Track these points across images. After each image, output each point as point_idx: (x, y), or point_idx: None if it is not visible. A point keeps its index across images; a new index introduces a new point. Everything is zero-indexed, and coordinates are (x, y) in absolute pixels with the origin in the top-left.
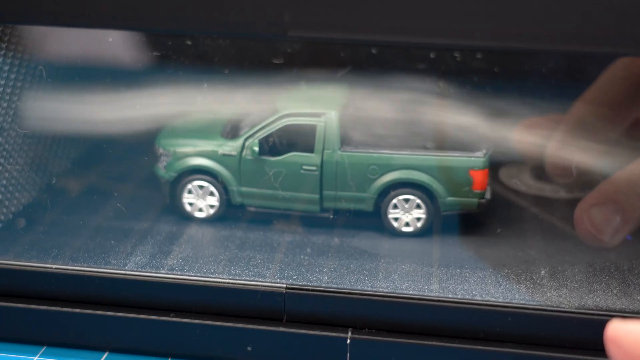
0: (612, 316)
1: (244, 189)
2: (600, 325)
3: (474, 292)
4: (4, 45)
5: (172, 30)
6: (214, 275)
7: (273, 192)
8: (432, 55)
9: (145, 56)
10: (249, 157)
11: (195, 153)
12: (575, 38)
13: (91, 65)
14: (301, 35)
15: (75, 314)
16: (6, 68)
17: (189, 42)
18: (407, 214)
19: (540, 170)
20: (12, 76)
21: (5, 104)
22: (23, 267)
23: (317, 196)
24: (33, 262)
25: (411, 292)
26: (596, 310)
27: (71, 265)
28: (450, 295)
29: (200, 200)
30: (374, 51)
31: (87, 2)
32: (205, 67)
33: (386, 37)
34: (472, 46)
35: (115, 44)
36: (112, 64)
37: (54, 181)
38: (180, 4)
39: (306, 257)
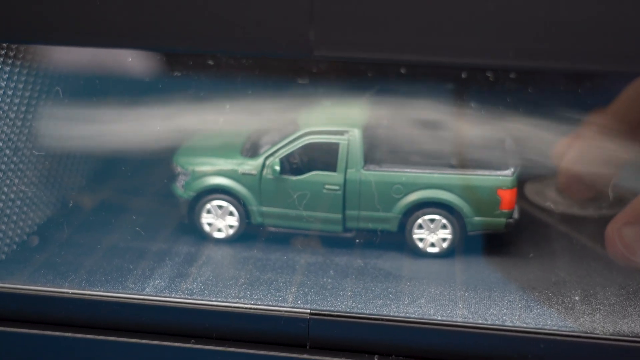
0: None
1: (264, 208)
2: (638, 353)
3: (504, 317)
4: (18, 63)
5: (195, 50)
6: (235, 300)
7: (294, 212)
8: (463, 75)
9: (166, 74)
10: (270, 176)
11: (215, 172)
12: (598, 57)
13: (108, 81)
14: (327, 55)
15: (92, 340)
16: (20, 86)
17: (210, 62)
18: (433, 234)
19: None
20: (27, 94)
21: (19, 123)
22: (37, 292)
23: (339, 216)
24: (48, 287)
25: (439, 317)
26: (632, 336)
27: (88, 290)
28: (480, 321)
29: (220, 220)
30: (402, 71)
31: (106, 22)
32: (227, 84)
33: (414, 56)
34: (504, 66)
35: (135, 62)
36: (132, 81)
37: (71, 202)
38: (203, 24)
39: (329, 280)
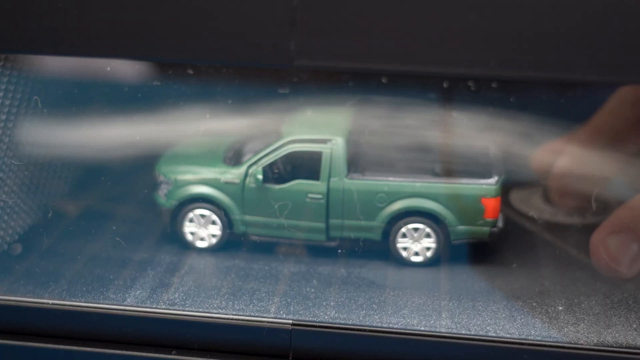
0: (633, 353)
1: (247, 217)
2: None
3: (487, 327)
4: None
5: (175, 60)
6: (217, 311)
7: (277, 221)
8: (445, 85)
9: (146, 86)
10: (253, 185)
11: (197, 181)
12: (579, 67)
13: (87, 90)
14: (308, 65)
15: (72, 351)
16: (0, 94)
17: (190, 71)
18: (417, 243)
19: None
20: (7, 102)
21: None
22: (16, 303)
23: (323, 225)
24: (28, 297)
25: (422, 327)
26: (616, 347)
27: (68, 301)
28: (464, 331)
29: (202, 229)
30: (384, 80)
31: (86, 31)
32: (208, 93)
33: (395, 66)
34: (486, 76)
35: (114, 71)
36: (110, 89)
37: (51, 211)
38: (183, 34)
39: (312, 290)
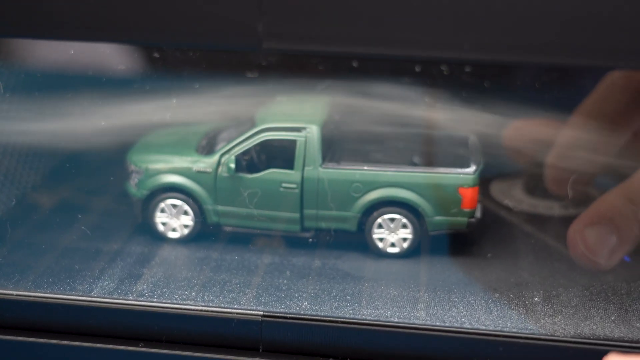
0: (610, 345)
1: (220, 207)
2: (597, 355)
3: (463, 319)
4: None
5: (141, 42)
6: (186, 302)
7: (251, 211)
8: (417, 69)
9: (110, 69)
10: (225, 174)
11: (169, 170)
12: (567, 51)
13: (55, 78)
14: (276, 48)
15: (38, 344)
16: None
17: (156, 55)
18: (393, 234)
19: (532, 184)
20: None
21: None
22: None
23: (297, 215)
24: None
25: (396, 319)
26: (593, 339)
27: (34, 292)
28: (438, 323)
29: (174, 220)
30: (355, 64)
31: (52, 14)
32: (176, 79)
33: (366, 49)
34: (459, 59)
35: (79, 54)
36: (76, 73)
37: (17, 200)
38: (148, 15)
39: (285, 281)
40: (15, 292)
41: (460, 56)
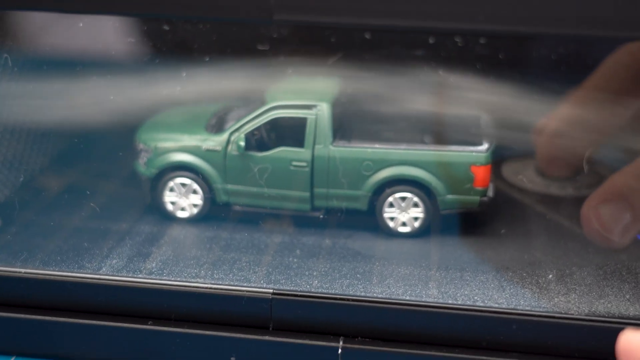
0: (625, 324)
1: (229, 186)
2: (612, 333)
3: (475, 298)
4: None
5: (150, 14)
6: (195, 280)
7: (260, 190)
8: (430, 41)
9: (119, 43)
10: (235, 153)
11: (178, 148)
12: (579, 22)
13: (63, 55)
14: (288, 19)
15: (46, 322)
16: None
17: (166, 27)
18: (404, 213)
19: None
20: None
21: None
22: None
23: (307, 194)
24: (1, 266)
25: (408, 297)
26: (608, 317)
27: (42, 270)
28: (450, 301)
29: (183, 199)
30: (367, 36)
31: None
32: (186, 55)
33: (379, 20)
34: (472, 30)
35: (86, 31)
36: (84, 52)
37: (25, 179)
38: None
39: (295, 260)
40: (23, 270)
41: (474, 27)
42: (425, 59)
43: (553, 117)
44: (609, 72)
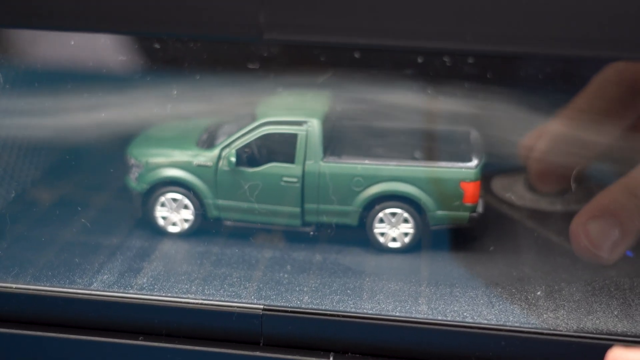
0: (613, 340)
1: (220, 201)
2: (600, 350)
3: (465, 314)
4: None
5: (141, 33)
6: (186, 296)
7: (251, 206)
8: (419, 60)
9: (110, 60)
10: (226, 168)
11: (169, 164)
12: (568, 42)
13: (54, 70)
14: (278, 39)
15: (37, 337)
16: None
17: (157, 45)
18: (394, 229)
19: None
20: None
21: None
22: None
23: (298, 209)
24: None
25: (398, 313)
26: (596, 333)
27: (33, 285)
28: (440, 317)
29: (174, 214)
30: (356, 55)
31: (50, 4)
32: (177, 72)
33: (368, 40)
34: (462, 50)
35: (77, 48)
36: (75, 68)
37: (17, 193)
38: (149, 5)
39: (286, 275)
40: (14, 285)
41: (463, 47)
42: (414, 77)
43: (543, 133)
44: (597, 90)
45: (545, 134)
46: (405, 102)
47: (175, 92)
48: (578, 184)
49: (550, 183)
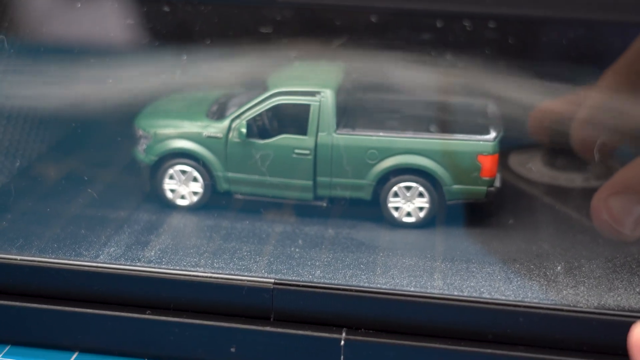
0: (635, 317)
1: (230, 174)
2: (622, 326)
3: (481, 289)
4: None
5: None
6: (195, 269)
7: (262, 178)
8: (438, 25)
9: (117, 25)
10: (236, 140)
11: (178, 135)
12: (599, 7)
13: (60, 38)
14: (292, 1)
15: (42, 310)
16: None
17: (166, 9)
18: (409, 203)
19: (554, 156)
20: None
21: None
22: None
23: (310, 183)
24: None
25: (412, 288)
26: (617, 310)
27: (38, 257)
28: (456, 293)
29: (183, 187)
30: (373, 20)
31: None
32: (186, 38)
33: (386, 2)
34: (483, 14)
35: (84, 13)
36: (82, 35)
37: (22, 165)
38: None
39: (297, 250)
40: (18, 257)
41: (483, 10)
42: (432, 43)
43: (582, 101)
44: (637, 54)
45: (585, 102)
46: (422, 70)
47: (184, 58)
48: (600, 156)
49: (591, 151)
